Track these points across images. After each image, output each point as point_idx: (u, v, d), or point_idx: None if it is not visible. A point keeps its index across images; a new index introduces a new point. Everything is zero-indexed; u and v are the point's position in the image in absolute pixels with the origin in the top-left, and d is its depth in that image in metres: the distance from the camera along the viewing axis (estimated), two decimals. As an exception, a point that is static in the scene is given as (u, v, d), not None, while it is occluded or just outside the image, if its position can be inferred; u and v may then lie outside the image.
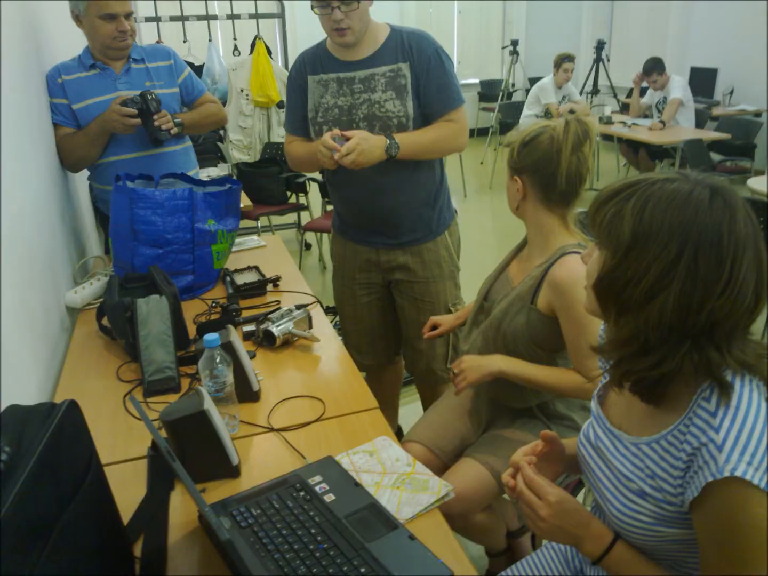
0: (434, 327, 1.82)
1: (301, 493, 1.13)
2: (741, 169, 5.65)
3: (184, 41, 5.35)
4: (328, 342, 1.71)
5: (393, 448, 1.28)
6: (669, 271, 0.81)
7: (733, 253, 0.80)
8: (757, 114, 6.32)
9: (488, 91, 8.80)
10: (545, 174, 1.41)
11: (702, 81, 6.79)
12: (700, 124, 5.79)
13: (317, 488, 1.14)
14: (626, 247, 0.84)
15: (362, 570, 0.96)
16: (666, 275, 0.81)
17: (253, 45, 5.21)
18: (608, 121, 5.90)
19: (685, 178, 0.85)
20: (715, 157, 5.50)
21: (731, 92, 6.58)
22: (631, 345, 0.87)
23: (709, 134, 5.44)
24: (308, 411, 1.42)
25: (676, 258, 0.81)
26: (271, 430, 1.36)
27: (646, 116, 6.07)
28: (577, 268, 1.35)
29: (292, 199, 4.62)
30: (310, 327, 1.72)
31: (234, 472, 1.21)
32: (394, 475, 1.20)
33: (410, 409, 2.69)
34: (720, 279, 0.80)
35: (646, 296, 0.83)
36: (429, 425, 1.68)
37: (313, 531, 1.04)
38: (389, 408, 2.37)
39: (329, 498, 1.12)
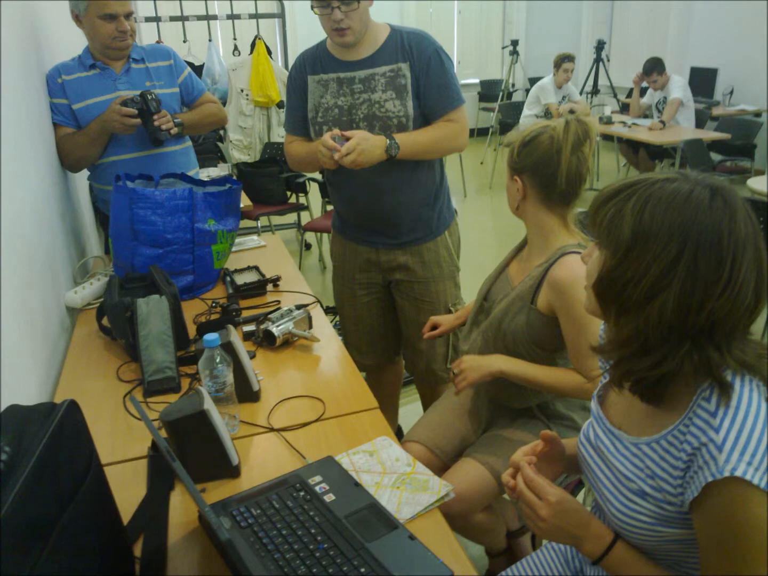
0: (434, 327, 1.82)
1: (301, 493, 1.13)
2: (741, 169, 5.66)
3: (184, 41, 5.35)
4: (328, 342, 1.71)
5: (393, 448, 1.28)
6: (669, 271, 0.81)
7: (733, 253, 0.80)
8: (757, 114, 6.32)
9: (488, 91, 8.80)
10: (545, 174, 1.41)
11: (702, 81, 6.79)
12: (700, 124, 5.80)
13: (317, 488, 1.14)
14: (626, 247, 0.84)
15: (362, 570, 0.96)
16: (666, 275, 0.81)
17: (253, 45, 5.21)
18: (608, 121, 5.90)
19: (685, 178, 0.85)
20: (715, 157, 5.50)
21: (731, 92, 6.58)
22: (631, 345, 0.87)
23: (709, 134, 5.44)
24: (308, 411, 1.42)
25: (676, 258, 0.81)
26: (271, 430, 1.35)
27: (646, 116, 6.07)
28: (577, 268, 1.35)
29: (292, 199, 4.61)
30: (310, 327, 1.72)
31: (234, 472, 1.21)
32: (394, 475, 1.20)
33: (410, 409, 2.69)
34: (720, 279, 0.80)
35: (646, 296, 0.83)
36: (429, 425, 1.68)
37: (313, 531, 1.04)
38: (389, 408, 2.37)
39: (329, 498, 1.12)
